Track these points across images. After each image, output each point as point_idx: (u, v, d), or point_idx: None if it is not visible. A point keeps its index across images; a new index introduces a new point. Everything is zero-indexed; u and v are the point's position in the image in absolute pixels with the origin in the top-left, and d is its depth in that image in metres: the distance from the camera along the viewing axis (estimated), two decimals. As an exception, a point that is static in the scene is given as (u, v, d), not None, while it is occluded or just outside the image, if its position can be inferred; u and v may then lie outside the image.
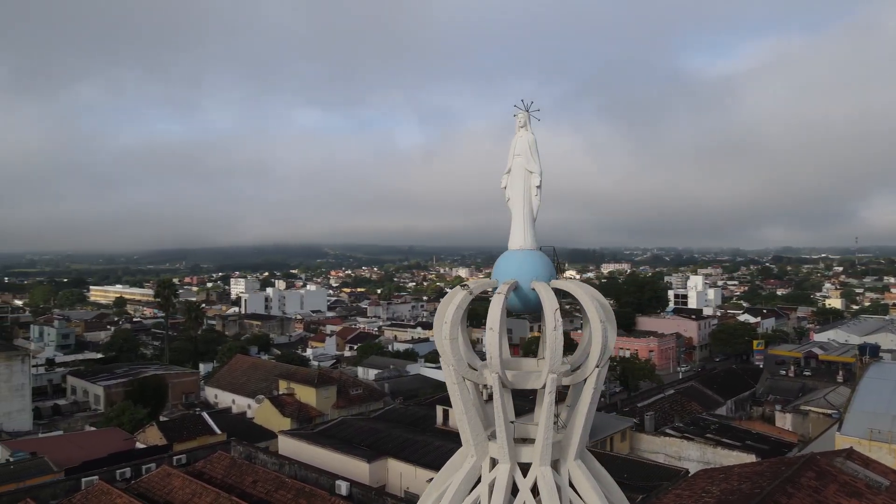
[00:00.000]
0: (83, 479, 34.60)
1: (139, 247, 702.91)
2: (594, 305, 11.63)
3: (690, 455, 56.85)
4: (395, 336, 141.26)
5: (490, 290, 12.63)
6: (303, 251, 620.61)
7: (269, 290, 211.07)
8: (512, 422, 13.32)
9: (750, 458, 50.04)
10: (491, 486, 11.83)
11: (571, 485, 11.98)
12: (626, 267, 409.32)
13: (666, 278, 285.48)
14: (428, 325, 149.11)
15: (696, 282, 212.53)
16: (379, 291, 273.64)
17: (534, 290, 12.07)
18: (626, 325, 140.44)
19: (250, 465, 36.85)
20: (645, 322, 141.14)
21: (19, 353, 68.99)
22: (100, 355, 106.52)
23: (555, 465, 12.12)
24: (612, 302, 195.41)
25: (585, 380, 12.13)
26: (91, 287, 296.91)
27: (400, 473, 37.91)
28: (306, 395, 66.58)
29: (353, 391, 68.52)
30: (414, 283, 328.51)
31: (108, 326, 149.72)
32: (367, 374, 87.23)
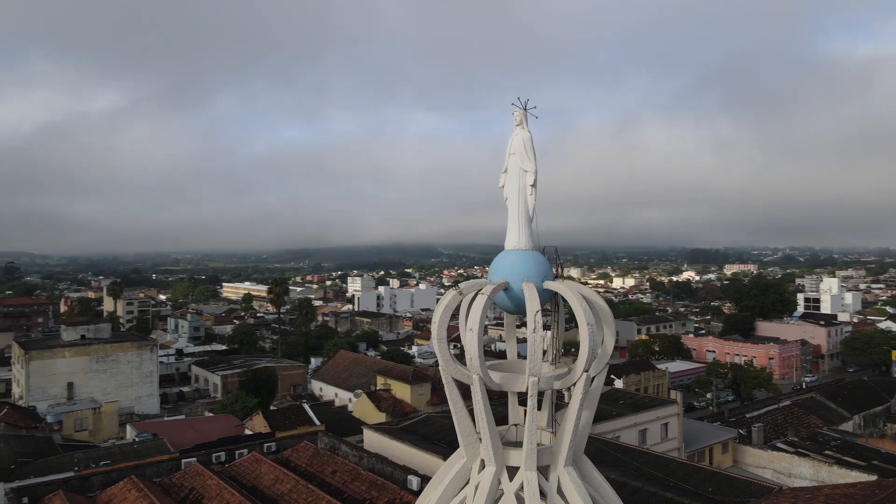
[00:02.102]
0: (183, 461, 37.63)
1: (268, 246, 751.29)
2: (582, 308, 11.24)
3: (802, 472, 52.55)
4: (500, 335, 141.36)
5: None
6: (418, 251, 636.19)
7: (382, 289, 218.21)
8: (515, 425, 13.19)
9: (871, 479, 45.49)
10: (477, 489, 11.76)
11: (562, 492, 11.66)
12: (752, 268, 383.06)
13: (797, 280, 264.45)
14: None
15: (830, 284, 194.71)
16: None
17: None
18: (743, 330, 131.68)
19: (332, 456, 38.48)
20: (766, 327, 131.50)
21: (148, 344, 76.21)
22: (224, 347, 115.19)
23: (546, 471, 11.85)
24: (730, 305, 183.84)
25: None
26: (224, 284, 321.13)
27: (475, 472, 38.03)
28: (401, 391, 68.33)
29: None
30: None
31: (234, 321, 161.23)
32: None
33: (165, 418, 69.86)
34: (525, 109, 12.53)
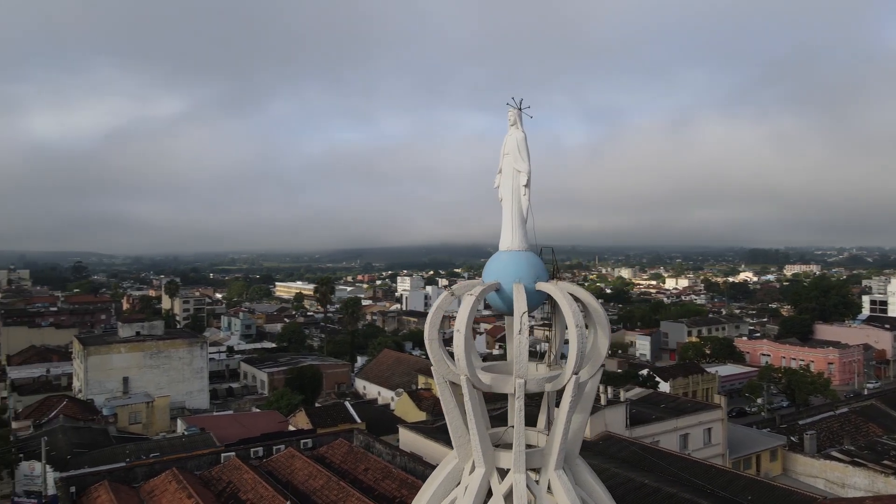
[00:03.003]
0: (222, 455, 38.77)
1: (320, 246, 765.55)
2: (571, 310, 11.09)
3: (856, 483, 50.32)
4: (546, 335, 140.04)
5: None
6: (467, 250, 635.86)
7: (430, 288, 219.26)
8: (513, 427, 13.10)
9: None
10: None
11: (552, 495, 11.53)
12: (814, 269, 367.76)
13: (864, 282, 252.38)
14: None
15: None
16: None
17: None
18: (801, 333, 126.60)
19: (365, 454, 38.99)
20: (826, 331, 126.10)
21: (198, 341, 78.81)
22: (273, 345, 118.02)
23: (538, 473, 11.74)
24: (789, 308, 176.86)
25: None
26: (277, 283, 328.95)
27: (507, 474, 37.90)
28: (444, 391, 68.53)
29: (487, 389, 69.31)
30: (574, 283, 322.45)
31: (285, 319, 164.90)
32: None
33: (214, 413, 72.06)
34: (520, 109, 12.43)
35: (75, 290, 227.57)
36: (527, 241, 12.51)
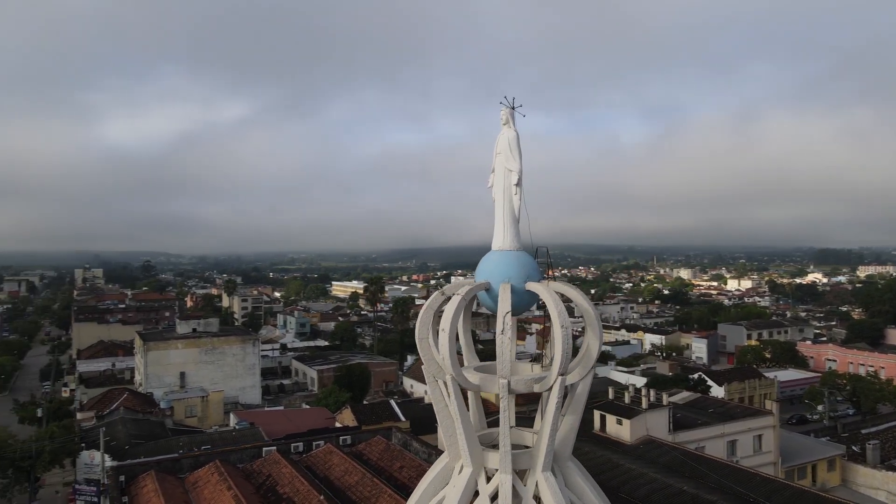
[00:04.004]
0: (264, 449, 39.90)
1: (377, 246, 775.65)
2: (557, 310, 10.98)
3: (922, 496, 47.60)
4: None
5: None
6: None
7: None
8: (512, 427, 13.08)
9: None
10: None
11: (539, 498, 11.42)
12: (891, 269, 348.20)
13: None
14: (633, 328, 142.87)
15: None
16: (592, 291, 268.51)
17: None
18: (871, 338, 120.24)
19: (402, 452, 39.41)
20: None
21: (251, 338, 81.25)
22: (326, 343, 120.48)
23: (521, 475, 11.67)
24: (860, 311, 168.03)
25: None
26: (333, 283, 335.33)
27: (542, 476, 37.58)
28: (489, 393, 68.35)
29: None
30: (630, 284, 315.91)
31: (339, 318, 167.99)
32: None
33: (265, 409, 74.13)
34: (513, 108, 12.38)
35: (143, 289, 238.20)
36: (519, 240, 12.44)
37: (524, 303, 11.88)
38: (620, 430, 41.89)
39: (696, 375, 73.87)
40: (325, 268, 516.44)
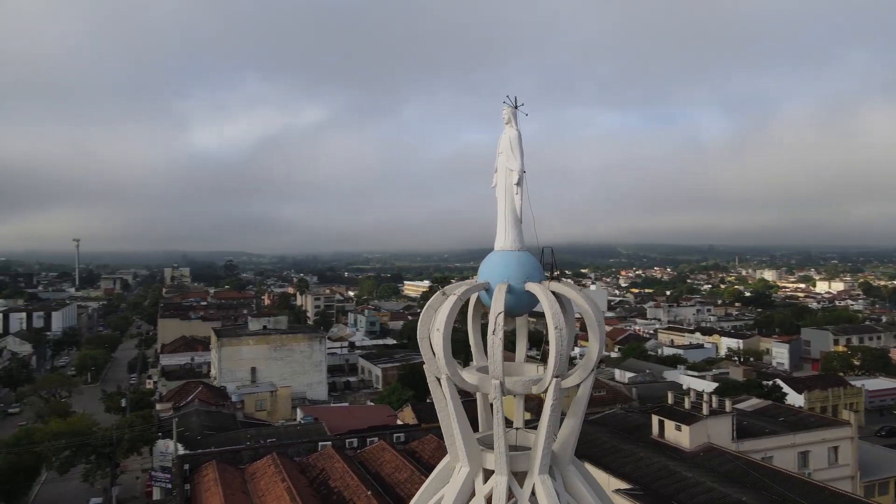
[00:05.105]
0: (320, 444, 41.03)
1: (450, 246, 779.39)
2: (551, 311, 10.82)
3: None
4: (672, 340, 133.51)
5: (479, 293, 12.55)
6: (595, 251, 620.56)
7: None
8: (517, 429, 13.03)
9: None
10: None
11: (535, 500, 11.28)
12: None
13: None
14: (708, 331, 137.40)
15: None
16: (668, 293, 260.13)
17: (508, 292, 11.66)
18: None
19: (453, 451, 39.61)
20: None
21: (318, 336, 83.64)
22: (394, 342, 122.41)
23: (523, 477, 11.55)
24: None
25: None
26: (405, 282, 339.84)
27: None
28: (548, 392, 67.67)
29: (595, 392, 67.57)
30: (709, 286, 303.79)
31: (409, 317, 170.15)
32: (624, 376, 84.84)
33: (332, 405, 76.17)
34: (515, 107, 12.26)
35: (225, 287, 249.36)
36: (521, 241, 12.30)
37: (524, 303, 11.75)
38: (679, 436, 40.45)
39: (770, 382, 70.28)
40: (398, 267, 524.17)
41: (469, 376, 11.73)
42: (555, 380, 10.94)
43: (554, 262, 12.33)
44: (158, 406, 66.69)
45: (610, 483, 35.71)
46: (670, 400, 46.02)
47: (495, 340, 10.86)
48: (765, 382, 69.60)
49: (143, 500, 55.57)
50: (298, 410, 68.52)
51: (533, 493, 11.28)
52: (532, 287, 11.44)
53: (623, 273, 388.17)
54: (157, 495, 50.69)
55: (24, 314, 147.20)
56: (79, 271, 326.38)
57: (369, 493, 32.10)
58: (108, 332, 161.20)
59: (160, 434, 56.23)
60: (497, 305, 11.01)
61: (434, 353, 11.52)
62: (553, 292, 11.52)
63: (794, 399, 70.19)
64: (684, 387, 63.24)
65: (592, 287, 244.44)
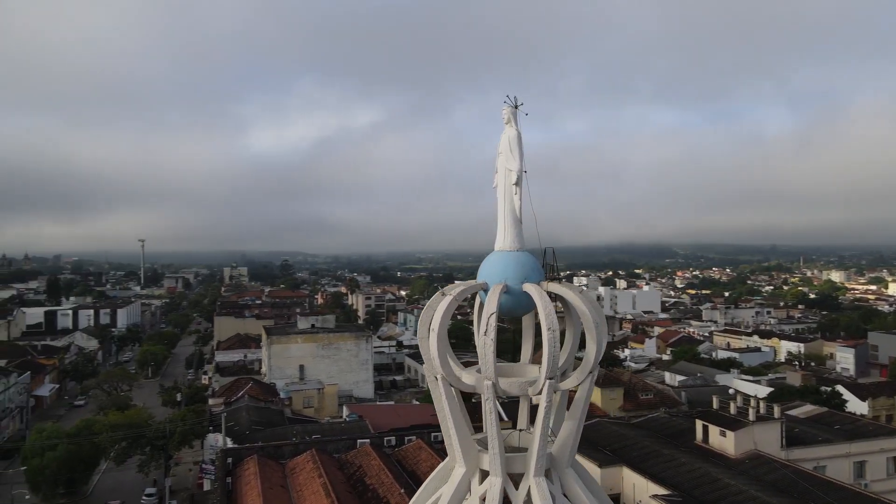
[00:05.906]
0: (358, 441, 41.64)
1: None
2: (545, 312, 10.72)
3: None
4: (728, 343, 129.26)
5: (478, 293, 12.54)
6: (651, 251, 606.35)
7: (601, 289, 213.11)
8: (520, 430, 12.99)
9: None
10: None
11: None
12: None
13: None
14: (766, 334, 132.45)
15: None
16: (727, 294, 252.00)
17: (506, 293, 11.61)
18: None
19: (490, 451, 39.55)
20: None
21: (364, 335, 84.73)
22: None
23: (519, 479, 11.47)
24: None
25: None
26: (456, 282, 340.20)
27: (633, 484, 36.06)
28: (593, 394, 66.70)
29: (642, 395, 66.16)
30: (771, 287, 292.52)
31: (458, 317, 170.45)
32: (674, 379, 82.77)
33: (377, 403, 77.07)
34: (515, 107, 12.18)
35: (280, 286, 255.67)
36: (520, 241, 12.21)
37: (522, 304, 11.66)
38: (724, 442, 39.17)
39: (830, 388, 67.22)
40: (450, 267, 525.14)
41: (467, 377, 11.72)
42: (548, 381, 10.82)
43: (555, 263, 12.19)
44: (211, 401, 68.91)
45: (648, 488, 34.95)
46: (715, 405, 44.60)
47: (486, 341, 10.83)
48: (823, 388, 66.58)
49: (194, 491, 57.58)
50: (344, 408, 69.61)
51: (529, 496, 11.20)
52: (528, 287, 11.35)
53: (679, 273, 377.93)
54: (207, 487, 52.43)
55: (91, 311, 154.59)
56: (144, 270, 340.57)
57: (402, 490, 32.39)
58: (169, 328, 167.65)
59: (211, 428, 58.15)
60: (489, 306, 10.98)
61: (430, 353, 11.56)
62: (553, 293, 11.40)
63: (857, 406, 66.88)
64: (731, 391, 61.20)
65: (645, 288, 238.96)
